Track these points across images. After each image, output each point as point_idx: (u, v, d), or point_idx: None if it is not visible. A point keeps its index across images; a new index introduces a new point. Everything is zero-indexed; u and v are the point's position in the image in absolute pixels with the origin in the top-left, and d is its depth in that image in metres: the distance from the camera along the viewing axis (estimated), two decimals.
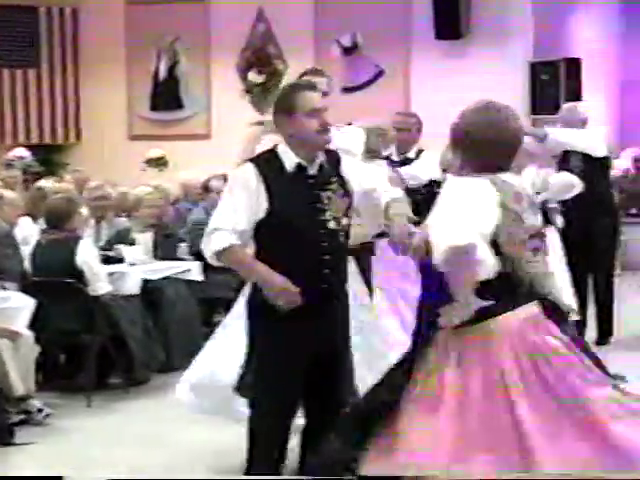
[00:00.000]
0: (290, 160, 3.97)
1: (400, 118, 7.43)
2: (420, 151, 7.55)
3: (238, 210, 3.90)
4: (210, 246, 3.91)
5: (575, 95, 12.79)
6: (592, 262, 8.22)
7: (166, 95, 14.22)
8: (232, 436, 4.97)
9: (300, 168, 3.99)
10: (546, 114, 12.02)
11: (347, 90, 12.48)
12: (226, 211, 3.93)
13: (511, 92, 12.62)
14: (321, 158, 4.02)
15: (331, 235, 3.96)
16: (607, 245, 8.29)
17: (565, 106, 8.98)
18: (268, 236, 3.95)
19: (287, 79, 13.43)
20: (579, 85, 12.92)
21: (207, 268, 8.03)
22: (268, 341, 4.00)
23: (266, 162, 3.98)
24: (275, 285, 3.86)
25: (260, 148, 4.89)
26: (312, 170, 3.99)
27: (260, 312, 4.01)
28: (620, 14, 16.09)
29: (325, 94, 5.09)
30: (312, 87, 4.06)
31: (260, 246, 4.01)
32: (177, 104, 14.21)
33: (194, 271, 7.96)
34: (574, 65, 12.93)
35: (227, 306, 8.51)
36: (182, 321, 7.70)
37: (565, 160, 8.16)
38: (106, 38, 14.18)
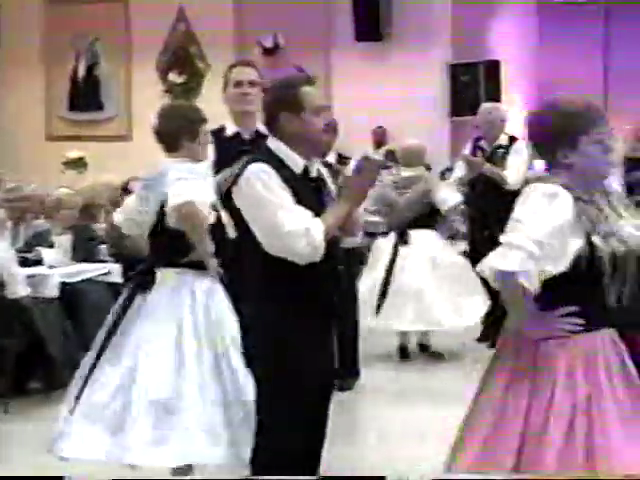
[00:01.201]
0: (296, 162, 3.60)
1: None
2: (341, 157, 7.32)
3: (293, 205, 3.49)
4: (309, 247, 3.43)
5: (494, 96, 12.96)
6: None
7: (85, 96, 14.08)
8: None
9: (305, 171, 3.64)
10: (466, 115, 12.16)
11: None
12: (288, 210, 3.47)
13: (431, 94, 12.78)
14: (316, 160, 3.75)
15: (338, 242, 3.71)
16: None
17: (486, 106, 9.08)
18: None
19: (209, 79, 13.41)
20: (498, 87, 13.11)
21: (127, 270, 7.94)
22: (284, 359, 3.58)
23: (274, 162, 3.56)
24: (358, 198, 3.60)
25: None
26: (313, 173, 3.67)
27: (276, 327, 3.58)
28: (538, 16, 16.33)
29: (254, 84, 5.15)
30: (313, 82, 3.70)
31: (269, 258, 3.53)
32: (97, 105, 14.08)
33: (114, 273, 7.86)
34: (493, 67, 13.12)
35: None
36: (102, 324, 7.59)
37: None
38: (23, 37, 13.99)
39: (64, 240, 7.86)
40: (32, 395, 7.00)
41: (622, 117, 16.07)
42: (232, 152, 4.69)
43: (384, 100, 12.53)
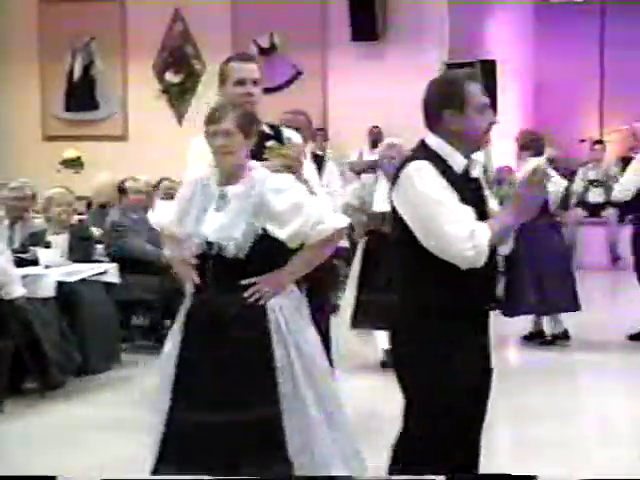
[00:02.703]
0: (458, 161, 3.43)
1: (289, 116, 6.55)
2: (317, 156, 6.94)
3: (456, 204, 3.33)
4: (473, 251, 3.26)
5: (490, 96, 12.95)
6: None
7: (81, 95, 14.06)
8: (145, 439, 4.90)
9: (466, 170, 3.48)
10: None
11: (264, 90, 12.41)
12: (451, 209, 3.30)
13: None
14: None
15: (495, 250, 3.49)
16: None
17: None
18: None
19: (205, 79, 13.41)
20: (494, 86, 13.09)
21: (124, 270, 7.95)
22: (439, 371, 3.41)
23: (435, 160, 3.40)
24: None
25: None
26: (474, 172, 3.50)
27: (430, 336, 3.41)
28: (534, 16, 16.36)
29: (257, 83, 4.66)
30: (477, 78, 3.52)
31: (427, 264, 3.39)
32: (93, 105, 14.06)
33: (111, 273, 7.86)
34: (489, 66, 13.10)
35: (146, 308, 8.52)
36: (99, 324, 7.60)
37: None
38: (19, 36, 13.98)
39: (60, 240, 7.84)
40: (27, 395, 6.99)
41: (618, 117, 16.17)
42: None
43: (380, 99, 12.53)
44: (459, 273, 3.31)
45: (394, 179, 3.44)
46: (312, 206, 3.89)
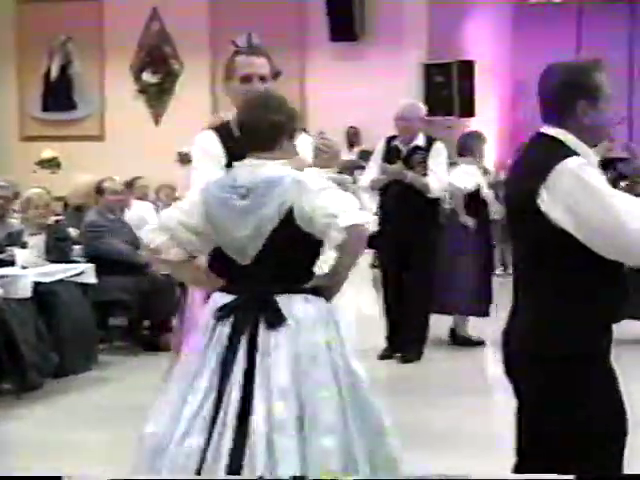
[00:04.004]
0: (591, 157, 3.04)
1: None
2: None
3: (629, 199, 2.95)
4: None
5: (468, 96, 13.02)
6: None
7: (58, 95, 14.02)
8: (129, 439, 4.88)
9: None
10: (439, 115, 12.20)
11: None
12: (629, 204, 2.90)
13: (405, 93, 12.76)
14: None
15: None
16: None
17: (402, 102, 8.11)
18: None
19: (183, 79, 13.40)
20: (472, 87, 13.15)
21: (101, 270, 7.91)
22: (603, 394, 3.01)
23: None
24: None
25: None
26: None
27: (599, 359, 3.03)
28: (512, 16, 16.41)
29: (265, 79, 4.12)
30: (605, 68, 3.16)
31: (576, 262, 2.96)
32: (70, 105, 14.02)
33: (88, 273, 7.83)
34: (467, 67, 13.16)
35: (123, 309, 8.49)
36: (76, 324, 7.57)
37: None
38: None
39: (37, 240, 7.81)
40: (4, 396, 6.95)
41: None
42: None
43: (358, 100, 12.55)
44: (607, 288, 2.98)
45: (536, 186, 2.95)
46: None
